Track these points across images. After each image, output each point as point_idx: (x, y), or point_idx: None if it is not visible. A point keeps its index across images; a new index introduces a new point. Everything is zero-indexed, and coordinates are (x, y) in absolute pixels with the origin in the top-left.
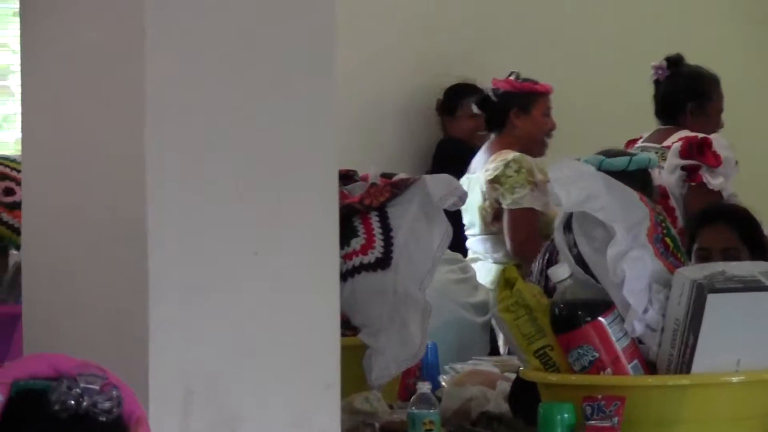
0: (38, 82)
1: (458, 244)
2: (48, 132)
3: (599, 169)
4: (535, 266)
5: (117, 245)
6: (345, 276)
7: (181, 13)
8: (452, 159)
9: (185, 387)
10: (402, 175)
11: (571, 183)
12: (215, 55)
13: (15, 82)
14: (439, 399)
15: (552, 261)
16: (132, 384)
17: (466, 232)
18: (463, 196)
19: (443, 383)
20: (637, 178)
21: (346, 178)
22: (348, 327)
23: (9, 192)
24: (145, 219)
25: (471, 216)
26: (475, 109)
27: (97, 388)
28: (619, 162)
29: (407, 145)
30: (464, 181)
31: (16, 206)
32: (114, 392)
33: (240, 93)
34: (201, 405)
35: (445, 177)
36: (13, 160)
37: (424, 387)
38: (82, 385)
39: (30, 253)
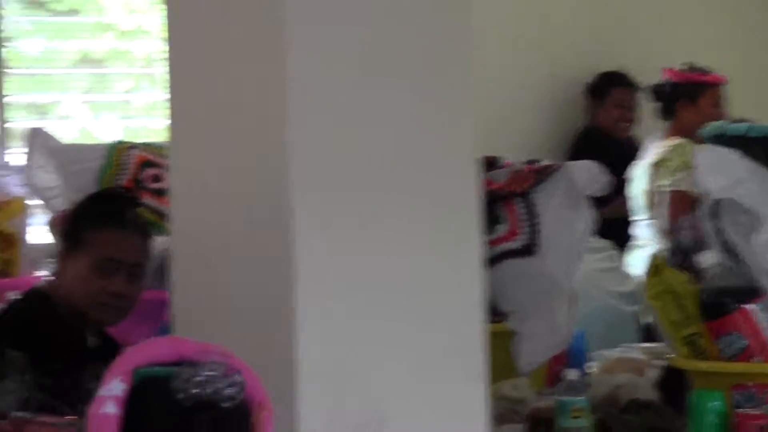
0: (185, 69)
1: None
2: (194, 119)
3: (722, 135)
4: (676, 243)
5: (263, 234)
6: (491, 262)
7: (319, 6)
8: (593, 148)
9: (332, 378)
10: (546, 162)
11: (716, 169)
12: (355, 47)
13: (159, 70)
14: (588, 386)
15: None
16: (279, 375)
17: (634, 218)
18: (606, 183)
19: (591, 370)
20: (759, 146)
21: (490, 164)
22: (495, 313)
23: (156, 179)
24: (292, 209)
25: (638, 201)
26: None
27: (220, 374)
28: (739, 128)
29: (550, 133)
30: (636, 168)
31: (163, 193)
32: (237, 377)
33: (380, 81)
34: (348, 396)
35: (588, 164)
36: (160, 147)
37: (573, 374)
38: (205, 372)
39: (178, 239)
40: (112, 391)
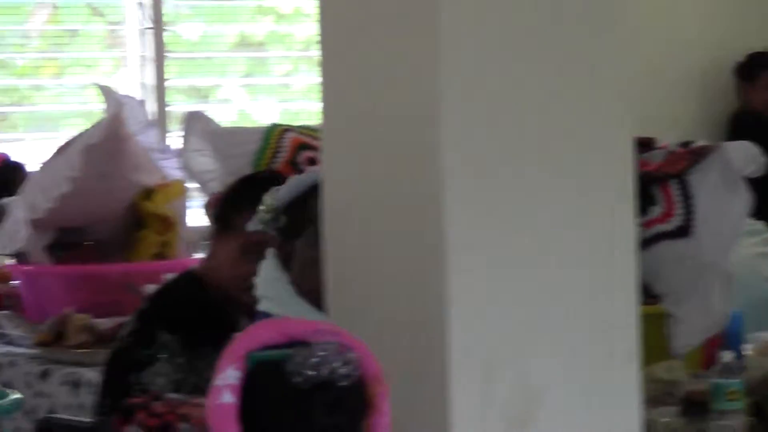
0: (337, 52)
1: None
2: (347, 101)
3: None
4: None
5: (415, 214)
6: (645, 244)
7: None
8: (748, 131)
9: (485, 358)
10: (701, 143)
11: None
12: (509, 22)
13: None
14: (743, 369)
15: None
16: (431, 356)
17: None
18: (763, 165)
19: (747, 353)
20: None
21: (645, 146)
22: (649, 295)
23: (312, 161)
24: (444, 190)
25: None
26: None
27: (333, 353)
28: None
29: (703, 116)
30: None
31: None
32: (350, 355)
33: (533, 58)
34: (501, 376)
35: (745, 144)
36: (315, 130)
37: (728, 356)
38: (318, 352)
39: (330, 220)
40: (227, 379)
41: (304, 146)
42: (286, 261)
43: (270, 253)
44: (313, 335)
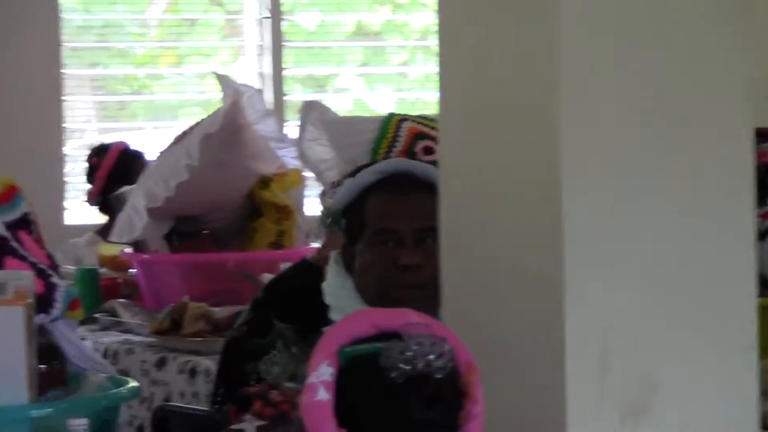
0: (455, 41)
1: None
2: (463, 91)
3: None
4: None
5: (533, 207)
6: (762, 235)
7: None
8: None
9: (603, 344)
10: None
11: None
12: (629, 14)
13: (435, 42)
14: None
15: None
16: (547, 341)
17: None
18: None
19: None
20: None
21: (764, 136)
22: (766, 287)
23: (428, 151)
24: (562, 184)
25: None
26: None
27: (428, 345)
28: None
29: None
30: None
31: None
32: (445, 346)
33: (652, 48)
34: (619, 363)
35: None
36: (433, 119)
37: None
38: (413, 345)
39: (446, 211)
40: (321, 376)
41: (421, 136)
42: (349, 265)
43: (334, 258)
44: (404, 327)
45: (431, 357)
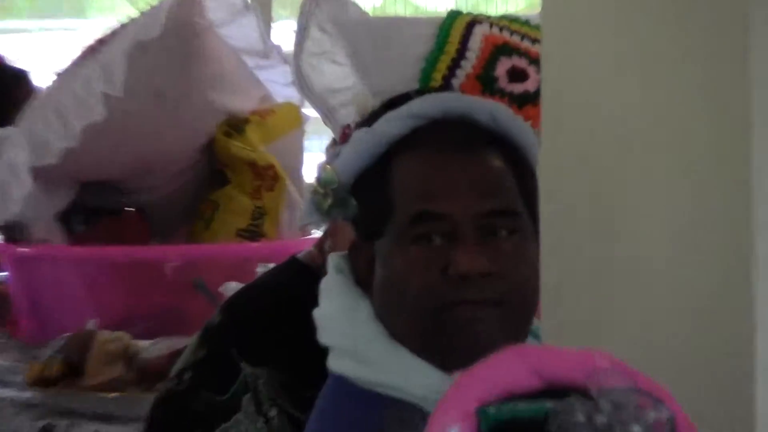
0: None
1: None
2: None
3: None
4: None
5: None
6: None
7: None
8: None
9: None
10: None
11: None
12: None
13: None
14: None
15: None
16: (732, 414)
17: None
18: None
19: None
20: None
21: None
22: None
23: (517, 76)
24: (752, 203)
25: None
26: None
27: (631, 407)
28: None
29: None
30: None
31: (529, 100)
32: (662, 411)
33: None
34: None
35: None
36: (526, 23)
37: None
38: (606, 406)
39: (549, 215)
40: None
41: (506, 50)
42: (363, 274)
43: (335, 263)
44: (589, 376)
45: (637, 427)
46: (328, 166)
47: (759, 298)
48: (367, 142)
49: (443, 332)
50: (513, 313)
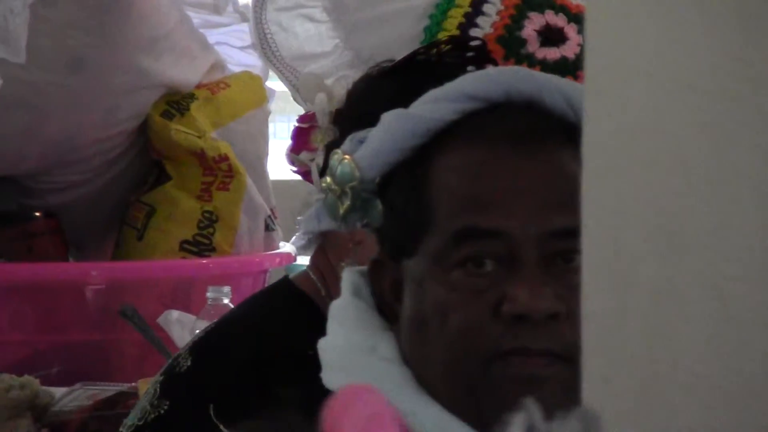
0: None
1: None
2: None
3: None
4: None
5: None
6: None
7: None
8: None
9: None
10: None
11: None
12: None
13: None
14: None
15: None
16: None
17: None
18: None
19: None
20: None
21: None
22: None
23: (553, 38)
24: None
25: None
26: None
27: None
28: None
29: None
30: None
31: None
32: None
33: None
34: None
35: None
36: None
37: None
38: None
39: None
40: None
41: (533, 1)
42: (388, 300)
43: (350, 280)
44: None
45: None
46: (346, 157)
47: None
48: (401, 129)
49: (490, 389)
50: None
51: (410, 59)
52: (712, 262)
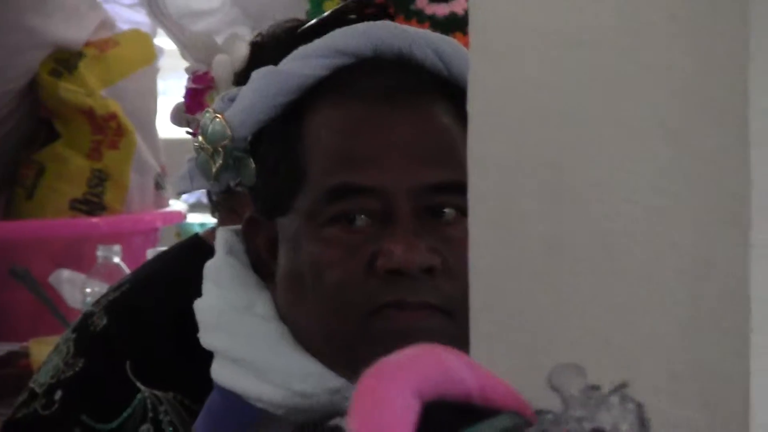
0: None
1: None
2: None
3: None
4: None
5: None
6: None
7: None
8: None
9: None
10: None
11: None
12: None
13: None
14: None
15: None
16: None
17: None
18: None
19: None
20: None
21: None
22: None
23: None
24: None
25: None
26: None
27: (610, 407)
28: None
29: None
30: None
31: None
32: (628, 405)
33: None
34: None
35: None
36: None
37: None
38: (578, 412)
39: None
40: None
41: None
42: (262, 258)
43: (224, 239)
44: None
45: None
46: (218, 116)
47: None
48: (271, 86)
49: (369, 344)
50: (462, 325)
51: (323, 21)
52: (600, 216)
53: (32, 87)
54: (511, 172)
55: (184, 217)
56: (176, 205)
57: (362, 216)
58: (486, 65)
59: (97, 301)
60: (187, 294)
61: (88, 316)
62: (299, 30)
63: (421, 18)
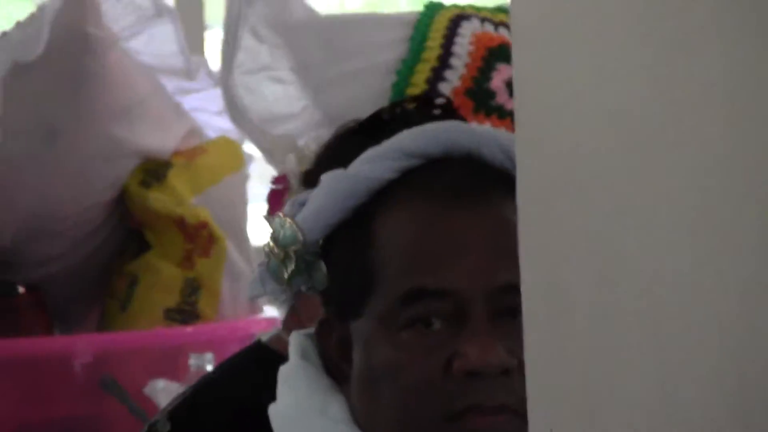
0: None
1: None
2: None
3: None
4: None
5: None
6: None
7: None
8: None
9: None
10: None
11: None
12: None
13: None
14: None
15: None
16: None
17: None
18: None
19: None
20: None
21: None
22: None
23: None
24: None
25: None
26: None
27: None
28: None
29: None
30: None
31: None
32: None
33: None
34: None
35: None
36: None
37: None
38: None
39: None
40: None
41: (503, 53)
42: (336, 361)
43: (297, 343)
44: None
45: None
46: (288, 220)
47: None
48: (341, 190)
49: None
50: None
51: (375, 117)
52: (644, 289)
53: (121, 198)
54: (558, 255)
55: (279, 323)
56: (270, 310)
57: (437, 319)
58: (530, 150)
59: (163, 409)
60: (246, 400)
61: (152, 425)
62: (364, 127)
63: (501, 114)
